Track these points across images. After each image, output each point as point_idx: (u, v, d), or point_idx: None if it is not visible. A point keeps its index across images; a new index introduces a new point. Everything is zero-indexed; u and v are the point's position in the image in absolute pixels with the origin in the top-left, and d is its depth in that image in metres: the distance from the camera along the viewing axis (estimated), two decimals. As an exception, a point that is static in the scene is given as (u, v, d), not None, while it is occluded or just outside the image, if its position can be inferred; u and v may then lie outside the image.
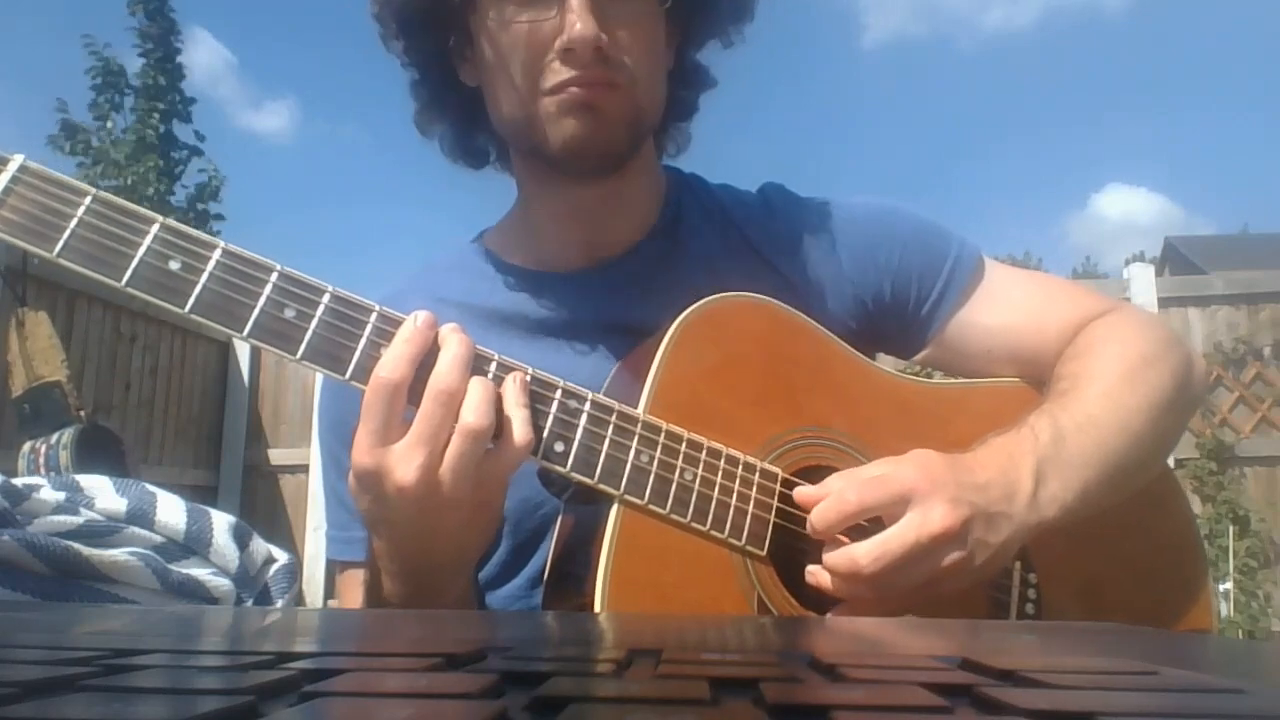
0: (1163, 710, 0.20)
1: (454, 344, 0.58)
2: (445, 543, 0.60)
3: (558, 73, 0.69)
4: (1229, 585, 3.65)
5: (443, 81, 0.80)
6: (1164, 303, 4.03)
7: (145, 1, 7.72)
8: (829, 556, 0.62)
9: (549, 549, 0.69)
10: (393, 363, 0.56)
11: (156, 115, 7.68)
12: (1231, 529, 3.72)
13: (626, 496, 0.62)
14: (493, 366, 0.60)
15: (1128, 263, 5.16)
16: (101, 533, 1.10)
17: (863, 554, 0.60)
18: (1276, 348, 4.00)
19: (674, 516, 0.63)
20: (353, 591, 0.78)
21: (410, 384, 0.56)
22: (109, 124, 7.75)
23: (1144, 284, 4.03)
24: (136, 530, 1.15)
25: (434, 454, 0.56)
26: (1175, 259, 16.55)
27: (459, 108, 0.81)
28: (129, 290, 0.56)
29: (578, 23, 0.66)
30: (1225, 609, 3.63)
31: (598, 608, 0.59)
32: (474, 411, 0.56)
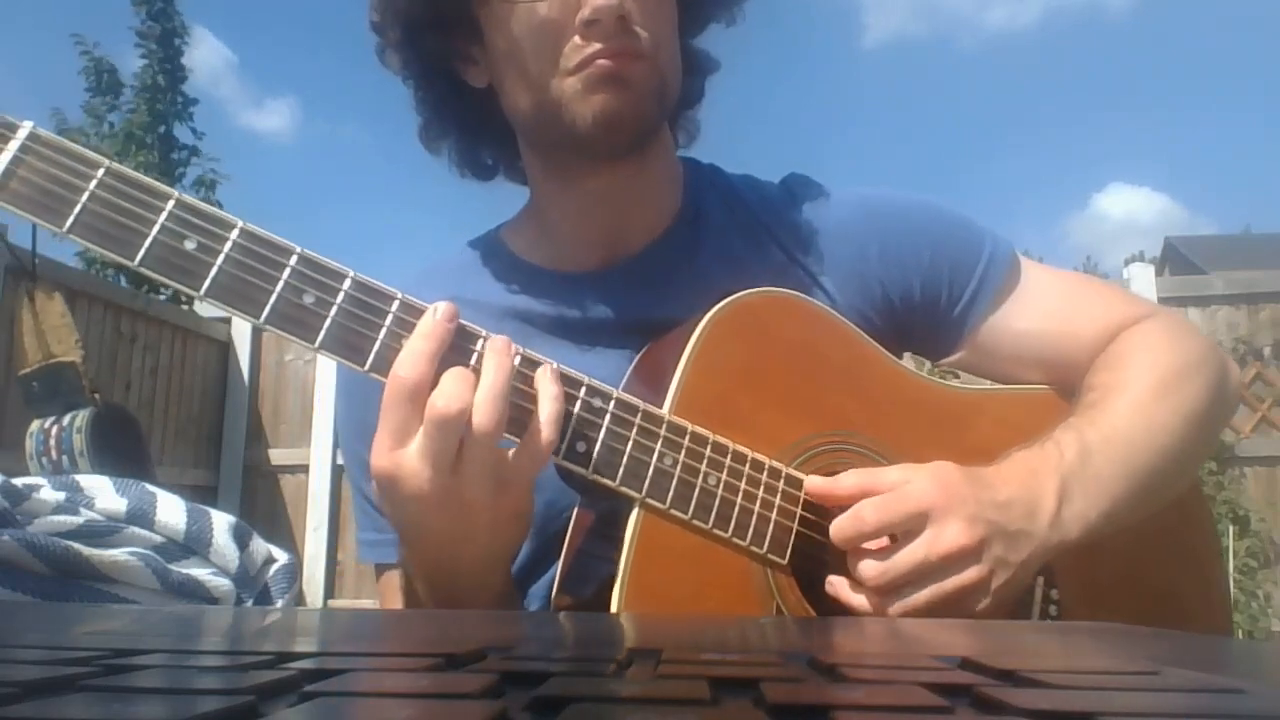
0: (1164, 710, 0.20)
1: (455, 373, 0.55)
2: (472, 547, 0.58)
3: (580, 49, 0.66)
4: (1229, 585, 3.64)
5: (449, 88, 0.78)
6: (1164, 303, 4.01)
7: (149, 2, 7.70)
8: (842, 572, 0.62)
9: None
10: (411, 360, 0.54)
11: (144, 110, 7.62)
12: (1231, 529, 3.71)
13: (648, 500, 0.60)
14: (517, 360, 0.58)
15: (1127, 263, 5.15)
16: (101, 533, 1.11)
17: (868, 566, 0.60)
18: (1276, 348, 4.00)
19: (696, 522, 0.61)
20: (392, 594, 0.76)
21: (431, 381, 0.54)
22: (105, 125, 7.74)
23: (1144, 284, 4.02)
24: (136, 530, 1.15)
25: (444, 460, 0.54)
26: (1175, 259, 16.53)
27: (468, 114, 0.79)
28: (142, 270, 0.53)
29: None
30: (1225, 609, 3.63)
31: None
32: (481, 413, 0.54)
